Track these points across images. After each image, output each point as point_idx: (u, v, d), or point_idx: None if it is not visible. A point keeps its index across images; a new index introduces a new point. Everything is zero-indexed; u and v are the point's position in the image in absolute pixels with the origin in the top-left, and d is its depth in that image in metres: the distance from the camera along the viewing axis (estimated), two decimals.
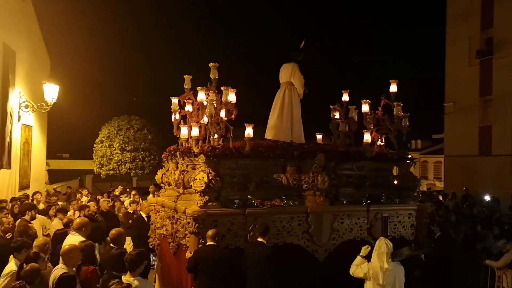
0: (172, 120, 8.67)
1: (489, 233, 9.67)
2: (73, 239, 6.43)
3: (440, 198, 15.54)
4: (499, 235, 9.41)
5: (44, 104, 12.33)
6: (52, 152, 22.15)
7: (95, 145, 23.47)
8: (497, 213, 11.82)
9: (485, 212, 11.98)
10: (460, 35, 18.81)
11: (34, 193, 11.70)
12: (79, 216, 8.94)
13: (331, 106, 9.55)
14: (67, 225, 7.94)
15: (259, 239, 6.36)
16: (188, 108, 8.33)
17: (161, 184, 9.10)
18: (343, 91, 9.31)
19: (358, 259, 6.11)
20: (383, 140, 8.41)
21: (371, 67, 52.53)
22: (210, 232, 6.17)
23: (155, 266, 8.54)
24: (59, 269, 5.24)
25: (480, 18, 17.85)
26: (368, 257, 6.09)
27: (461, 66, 18.79)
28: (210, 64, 7.65)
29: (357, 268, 5.97)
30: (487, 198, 15.37)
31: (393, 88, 8.19)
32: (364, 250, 6.16)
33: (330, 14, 63.96)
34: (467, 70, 18.43)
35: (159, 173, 9.15)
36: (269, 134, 8.73)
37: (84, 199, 12.90)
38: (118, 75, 45.62)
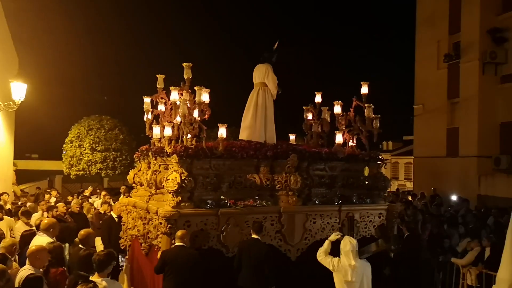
0: (145, 119, 8.60)
1: (455, 232, 9.93)
2: (41, 240, 6.30)
3: (409, 198, 15.86)
4: (464, 234, 9.68)
5: (11, 103, 12.00)
6: (20, 152, 21.58)
7: (64, 145, 23.01)
8: (461, 211, 12.15)
9: (451, 212, 12.29)
10: (429, 39, 19.23)
11: (1, 194, 11.39)
12: (48, 217, 8.75)
13: (304, 107, 9.65)
14: (38, 226, 7.77)
15: (254, 236, 6.52)
16: (161, 107, 8.27)
17: (133, 184, 9.01)
18: (316, 92, 9.42)
19: (326, 243, 6.16)
20: (355, 141, 8.55)
21: (343, 68, 53.23)
22: (179, 233, 6.17)
23: (124, 267, 8.44)
24: (26, 270, 5.14)
25: (448, 23, 18.29)
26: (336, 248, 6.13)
27: (429, 69, 19.20)
28: (184, 64, 7.63)
29: (327, 258, 6.01)
30: (454, 198, 15.78)
31: (364, 90, 8.33)
32: (334, 236, 6.21)
33: (304, 15, 64.55)
34: (436, 73, 18.85)
35: (131, 173, 9.05)
36: (243, 135, 8.76)
37: (53, 200, 12.63)
38: (89, 73, 44.84)
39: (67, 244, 7.11)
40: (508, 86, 16.07)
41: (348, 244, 5.90)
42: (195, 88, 7.06)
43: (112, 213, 9.63)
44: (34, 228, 7.63)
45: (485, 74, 16.47)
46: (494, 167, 15.92)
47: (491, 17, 16.49)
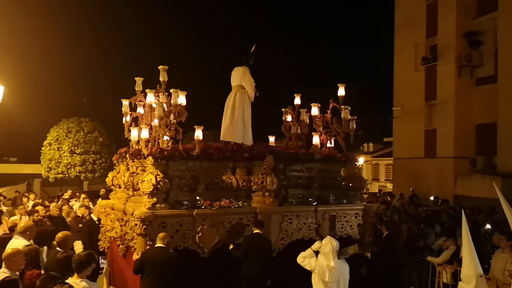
0: (124, 122, 8.59)
1: (431, 231, 10.12)
2: (17, 243, 6.27)
3: (389, 199, 16.06)
4: (441, 233, 9.87)
5: None
6: None
7: (43, 148, 22.74)
8: (437, 212, 12.37)
9: (427, 212, 12.51)
10: (407, 42, 19.54)
11: None
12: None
13: (283, 109, 9.74)
14: (12, 229, 7.71)
15: (257, 231, 6.79)
16: (140, 110, 8.29)
17: (112, 187, 8.99)
18: (295, 95, 9.52)
19: (308, 250, 6.28)
20: (332, 142, 8.66)
21: (324, 71, 53.63)
22: (160, 235, 6.24)
23: (104, 270, 8.40)
24: (1, 273, 5.11)
25: (425, 27, 18.63)
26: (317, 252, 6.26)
27: (408, 71, 19.51)
28: (160, 67, 7.66)
29: (305, 260, 6.14)
30: (432, 198, 16.04)
31: (341, 92, 8.44)
32: (317, 244, 6.31)
33: (283, 18, 64.85)
34: (414, 76, 19.16)
35: (110, 175, 9.05)
36: (223, 136, 8.84)
37: (30, 203, 12.48)
38: (67, 75, 44.29)
39: (45, 247, 7.06)
40: (484, 89, 16.44)
41: (328, 244, 6.02)
42: (171, 90, 7.10)
43: (92, 215, 9.58)
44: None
45: (461, 76, 16.82)
46: (470, 168, 16.24)
47: (467, 21, 16.83)
